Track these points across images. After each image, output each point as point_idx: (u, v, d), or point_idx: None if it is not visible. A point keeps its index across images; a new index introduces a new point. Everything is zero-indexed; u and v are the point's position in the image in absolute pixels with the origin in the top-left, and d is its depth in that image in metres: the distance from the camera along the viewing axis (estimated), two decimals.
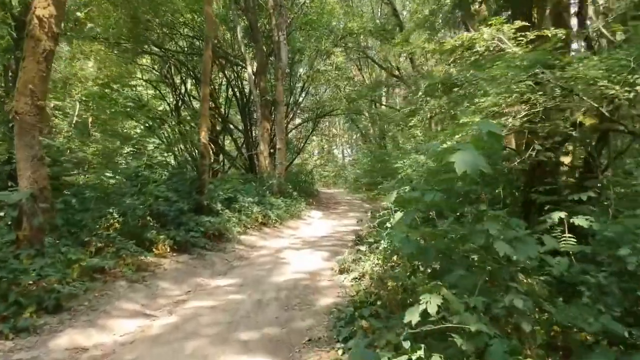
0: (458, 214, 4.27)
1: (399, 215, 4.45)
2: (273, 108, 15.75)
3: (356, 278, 5.67)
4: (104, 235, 6.09)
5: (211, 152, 19.52)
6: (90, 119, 8.50)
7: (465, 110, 4.68)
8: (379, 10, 20.95)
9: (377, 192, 6.43)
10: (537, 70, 3.54)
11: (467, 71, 4.96)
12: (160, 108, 19.91)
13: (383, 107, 25.81)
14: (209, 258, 7.23)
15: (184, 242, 7.20)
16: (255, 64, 15.23)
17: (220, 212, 8.85)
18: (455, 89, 5.25)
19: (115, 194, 7.30)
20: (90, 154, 7.31)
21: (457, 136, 4.15)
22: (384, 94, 25.13)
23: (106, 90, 12.73)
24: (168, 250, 6.91)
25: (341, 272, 6.13)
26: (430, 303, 2.32)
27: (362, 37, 19.67)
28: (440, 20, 11.92)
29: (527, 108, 3.65)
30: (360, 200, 21.14)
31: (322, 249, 8.10)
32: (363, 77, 23.07)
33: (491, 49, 4.04)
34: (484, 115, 3.85)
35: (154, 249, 6.78)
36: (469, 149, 2.11)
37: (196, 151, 19.97)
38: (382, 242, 5.46)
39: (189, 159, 18.31)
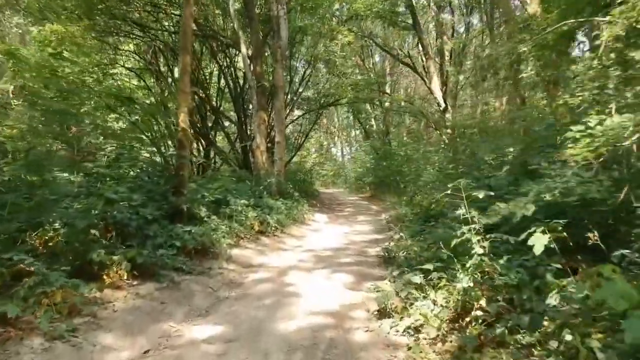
0: None
1: (540, 241, 2.31)
2: (270, 98, 13.57)
3: (411, 329, 3.53)
4: (15, 259, 3.89)
5: (202, 146, 17.35)
6: (10, 89, 6.19)
7: None
8: None
9: (444, 194, 4.17)
10: None
11: None
12: (148, 101, 17.78)
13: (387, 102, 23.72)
14: (185, 286, 5.04)
15: (149, 264, 5.00)
16: (250, 46, 13.05)
17: (205, 219, 6.66)
18: None
19: (53, 195, 5.09)
20: (5, 137, 5.10)
21: None
22: (387, 86, 23.01)
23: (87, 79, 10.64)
24: (125, 277, 4.72)
25: (382, 314, 3.98)
26: None
27: (368, 21, 17.55)
28: None
29: None
30: (365, 200, 19.01)
31: (341, 270, 5.93)
32: (366, 68, 20.93)
33: None
34: None
35: (104, 277, 4.60)
36: None
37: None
38: (460, 279, 3.30)
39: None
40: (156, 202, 6.11)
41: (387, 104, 15.12)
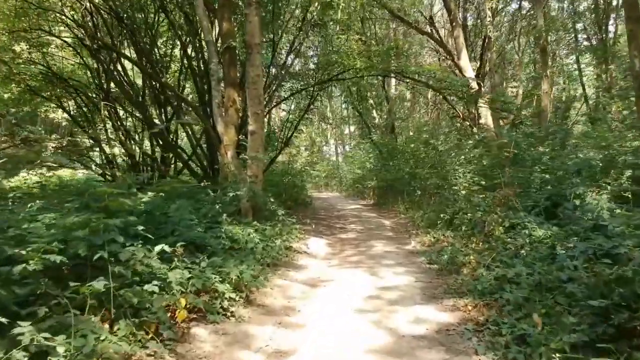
0: None
1: None
2: (242, 66, 8.97)
3: None
4: None
5: (159, 145, 12.66)
6: None
7: None
8: None
9: None
10: None
11: None
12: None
13: (392, 90, 19.23)
14: None
15: None
16: None
17: None
18: None
19: None
20: None
21: None
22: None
23: None
24: None
25: None
26: None
27: None
28: None
29: None
30: (369, 210, 14.53)
31: None
32: (369, 43, 16.35)
33: None
34: None
35: None
36: None
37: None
38: None
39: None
40: None
41: (415, 76, 10.49)
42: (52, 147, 14.04)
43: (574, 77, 22.19)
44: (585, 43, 19.81)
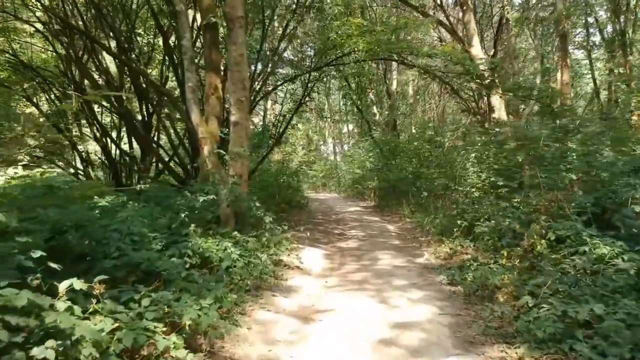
0: None
1: None
2: (226, 53, 7.63)
3: None
4: None
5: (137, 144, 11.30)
6: None
7: None
8: None
9: None
10: None
11: None
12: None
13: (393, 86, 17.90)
14: None
15: None
16: None
17: None
18: None
19: None
20: None
21: None
22: (395, 67, 17.18)
23: None
24: None
25: None
26: None
27: None
28: None
29: None
30: (371, 214, 13.22)
31: None
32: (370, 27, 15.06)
33: None
34: None
35: None
36: None
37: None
38: None
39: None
40: None
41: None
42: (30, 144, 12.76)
43: (581, 74, 21.01)
44: (593, 38, 18.64)
